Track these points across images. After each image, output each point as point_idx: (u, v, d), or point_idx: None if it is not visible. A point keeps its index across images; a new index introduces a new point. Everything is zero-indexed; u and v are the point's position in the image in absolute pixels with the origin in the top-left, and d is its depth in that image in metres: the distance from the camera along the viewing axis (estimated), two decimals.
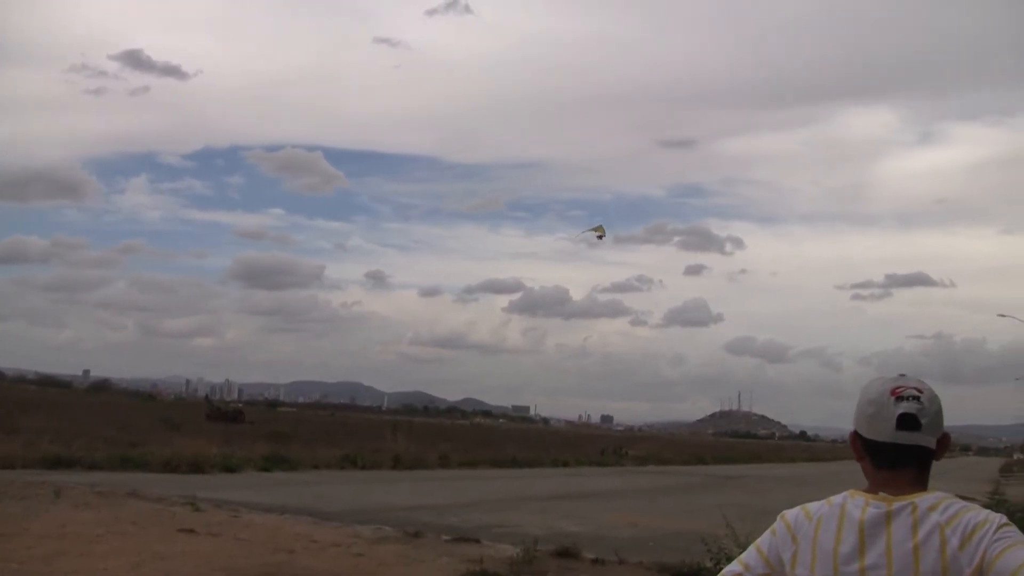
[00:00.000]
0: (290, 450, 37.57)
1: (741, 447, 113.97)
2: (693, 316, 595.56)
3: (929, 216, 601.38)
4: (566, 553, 15.18)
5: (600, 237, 49.85)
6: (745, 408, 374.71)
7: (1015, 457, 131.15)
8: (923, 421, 2.61)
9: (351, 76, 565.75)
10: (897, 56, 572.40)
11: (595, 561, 15.13)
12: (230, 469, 30.94)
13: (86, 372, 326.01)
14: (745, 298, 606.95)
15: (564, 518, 22.34)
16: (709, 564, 12.65)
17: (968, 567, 2.42)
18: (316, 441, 45.79)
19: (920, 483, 2.64)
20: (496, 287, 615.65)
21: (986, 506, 3.25)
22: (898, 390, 2.64)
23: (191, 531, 15.80)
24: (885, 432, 2.63)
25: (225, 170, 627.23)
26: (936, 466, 2.72)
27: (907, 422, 2.60)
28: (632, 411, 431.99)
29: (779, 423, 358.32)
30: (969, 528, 2.47)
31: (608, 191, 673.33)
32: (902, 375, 2.72)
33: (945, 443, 2.69)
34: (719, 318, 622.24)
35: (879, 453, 2.67)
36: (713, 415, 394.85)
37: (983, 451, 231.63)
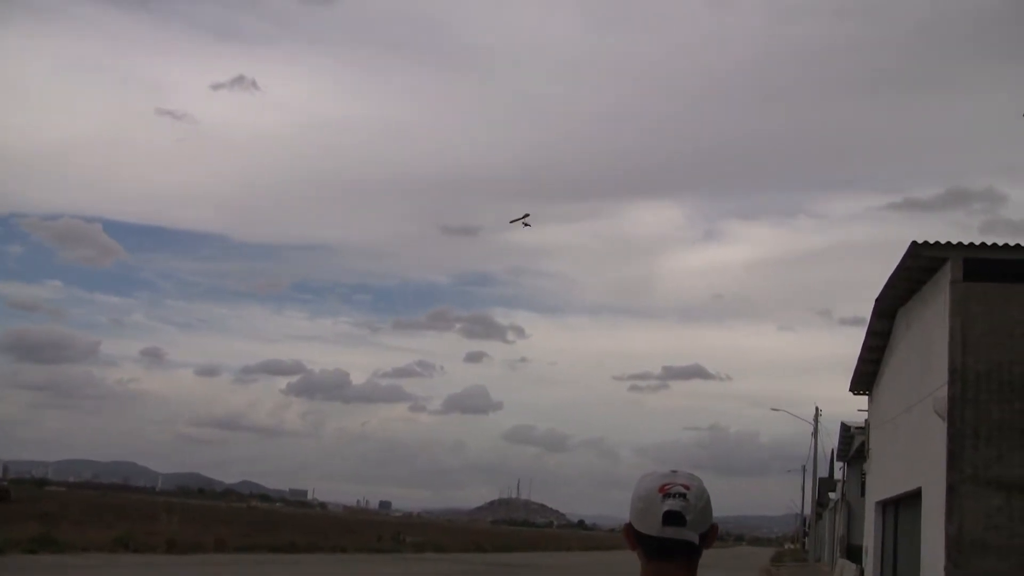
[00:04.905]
0: (59, 532, 36.11)
1: (519, 535, 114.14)
2: (473, 403, 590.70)
3: (707, 311, 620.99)
4: None
5: (526, 225, 55.14)
6: (524, 496, 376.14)
7: (786, 547, 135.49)
8: (688, 517, 2.79)
9: (133, 147, 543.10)
10: (686, 154, 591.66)
11: None
12: None
13: None
14: (525, 387, 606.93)
15: None
16: None
17: None
18: (87, 523, 44.07)
19: (689, 572, 2.86)
20: (276, 368, 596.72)
21: None
22: (666, 487, 2.82)
23: None
24: (653, 527, 2.81)
25: (2, 238, 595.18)
26: (713, 555, 3.15)
27: (672, 519, 2.78)
28: (411, 497, 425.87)
29: (558, 512, 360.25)
30: None
31: (393, 276, 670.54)
32: (674, 471, 2.89)
33: (713, 534, 2.89)
34: (499, 406, 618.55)
35: (649, 545, 2.85)
36: (492, 503, 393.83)
37: (756, 541, 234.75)
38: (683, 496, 2.81)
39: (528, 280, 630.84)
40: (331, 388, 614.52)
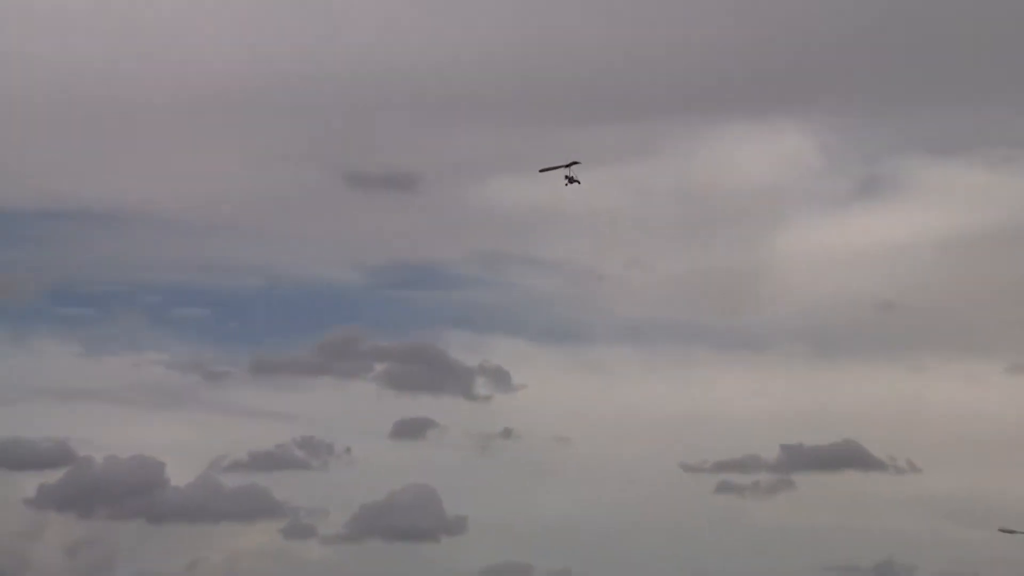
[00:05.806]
0: None
1: None
2: (410, 520, 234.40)
3: (866, 336, 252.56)
4: None
5: (572, 181, 36.89)
6: None
7: None
8: None
9: None
10: (820, 42, 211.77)
11: None
12: None
13: None
14: (509, 486, 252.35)
15: None
16: None
17: None
18: None
19: None
20: (17, 457, 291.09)
21: None
22: None
23: None
24: None
25: None
26: None
27: None
28: None
29: None
30: None
31: (253, 270, 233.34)
32: None
33: None
34: (460, 525, 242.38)
35: None
36: None
37: None
38: None
39: (514, 275, 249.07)
40: (126, 494, 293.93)
